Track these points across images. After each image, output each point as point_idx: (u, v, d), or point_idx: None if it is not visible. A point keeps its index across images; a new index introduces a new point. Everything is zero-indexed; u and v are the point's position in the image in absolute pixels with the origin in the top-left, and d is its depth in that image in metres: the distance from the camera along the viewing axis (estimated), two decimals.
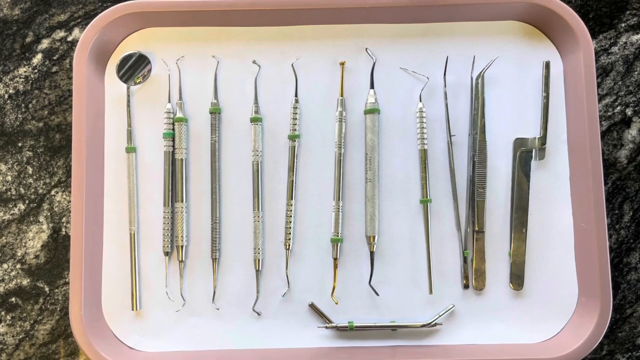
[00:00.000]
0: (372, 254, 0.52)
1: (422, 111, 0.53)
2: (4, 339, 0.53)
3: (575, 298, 0.52)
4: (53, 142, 0.55)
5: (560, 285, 0.52)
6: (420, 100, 0.53)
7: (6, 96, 0.56)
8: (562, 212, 0.52)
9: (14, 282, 0.54)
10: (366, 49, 0.54)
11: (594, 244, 0.50)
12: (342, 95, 0.53)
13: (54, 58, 0.56)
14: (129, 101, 0.53)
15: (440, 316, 0.51)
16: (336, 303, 0.52)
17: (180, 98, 0.54)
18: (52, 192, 0.55)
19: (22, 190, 0.55)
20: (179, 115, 0.53)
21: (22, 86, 0.56)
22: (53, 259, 0.54)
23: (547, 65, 0.53)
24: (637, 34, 0.56)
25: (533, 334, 0.51)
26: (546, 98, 0.53)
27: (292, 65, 0.54)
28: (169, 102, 0.54)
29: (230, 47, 0.54)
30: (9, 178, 0.55)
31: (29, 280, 0.54)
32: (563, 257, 0.52)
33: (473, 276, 0.52)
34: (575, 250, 0.52)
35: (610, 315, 0.49)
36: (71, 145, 0.53)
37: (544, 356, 0.49)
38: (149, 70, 0.54)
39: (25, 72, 0.56)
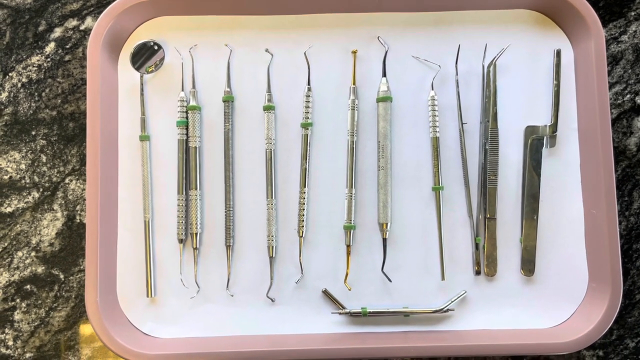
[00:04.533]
0: (384, 240, 0.52)
1: (434, 99, 0.53)
2: (19, 326, 0.54)
3: (585, 284, 0.52)
4: (67, 131, 0.55)
5: (570, 271, 0.52)
6: (432, 89, 0.53)
7: (19, 85, 0.56)
8: (573, 199, 0.53)
9: (29, 270, 0.54)
10: (378, 37, 0.54)
11: (605, 230, 0.50)
12: (354, 84, 0.54)
13: (67, 47, 0.56)
14: (142, 89, 0.54)
15: (452, 302, 0.52)
16: (349, 289, 0.52)
17: (194, 86, 0.54)
18: (66, 180, 0.55)
19: (36, 179, 0.55)
20: (192, 103, 0.53)
21: (35, 75, 0.56)
22: (68, 246, 0.54)
23: (558, 54, 0.53)
24: None
25: (544, 319, 0.52)
26: (557, 86, 0.53)
27: (304, 53, 0.54)
28: (182, 90, 0.54)
29: (243, 36, 0.54)
30: (22, 166, 0.55)
31: (43, 267, 0.54)
32: (573, 244, 0.52)
33: (484, 262, 0.52)
34: (585, 236, 0.52)
35: (620, 301, 0.50)
36: (84, 133, 0.54)
37: (555, 341, 0.50)
38: (162, 59, 0.54)
39: (38, 60, 0.56)
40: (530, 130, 0.53)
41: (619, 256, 0.50)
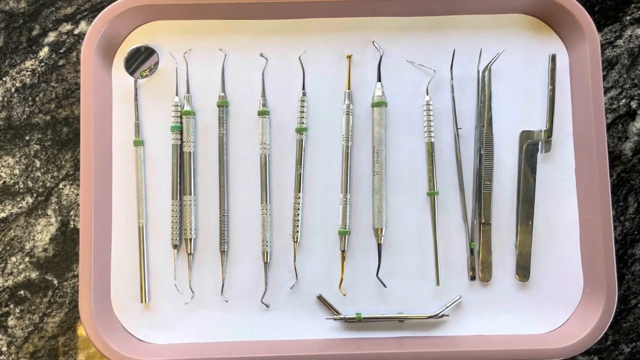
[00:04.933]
0: (379, 246, 0.52)
1: (429, 104, 0.53)
2: (13, 331, 0.54)
3: (580, 289, 0.52)
4: (60, 136, 0.55)
5: (565, 276, 0.52)
6: (427, 93, 0.53)
7: (13, 89, 0.56)
8: (568, 204, 0.53)
9: (22, 275, 0.54)
10: (373, 42, 0.54)
11: (600, 235, 0.50)
12: (349, 88, 0.53)
13: (61, 51, 0.56)
14: (136, 94, 0.53)
15: (447, 307, 0.52)
16: (344, 295, 0.52)
17: (188, 91, 0.54)
18: (60, 186, 0.55)
19: (30, 184, 0.55)
20: (186, 108, 0.53)
21: (29, 79, 0.56)
22: (61, 252, 0.54)
23: (553, 58, 0.53)
24: None
25: (539, 324, 0.52)
26: (552, 91, 0.53)
27: (299, 58, 0.54)
28: (177, 95, 0.54)
29: (238, 40, 0.54)
30: (16, 171, 0.55)
31: (37, 273, 0.54)
32: (568, 249, 0.52)
33: (479, 268, 0.52)
34: (580, 242, 0.52)
35: (615, 306, 0.50)
36: (78, 138, 0.54)
37: (550, 347, 0.50)
38: (156, 63, 0.54)
39: (32, 65, 0.56)
40: (526, 135, 0.53)
41: (614, 261, 0.50)
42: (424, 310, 0.52)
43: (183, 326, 0.52)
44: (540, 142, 0.53)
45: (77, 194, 0.55)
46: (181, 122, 0.53)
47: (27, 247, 0.54)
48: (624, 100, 0.55)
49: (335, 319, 0.52)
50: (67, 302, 0.54)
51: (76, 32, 0.56)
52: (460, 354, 0.50)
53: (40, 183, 0.55)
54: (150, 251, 0.53)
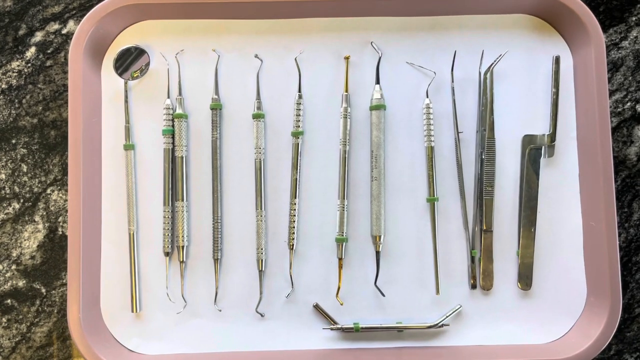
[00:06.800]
0: (377, 253, 0.51)
1: (429, 107, 0.52)
2: None
3: (584, 298, 0.51)
4: (48, 139, 0.53)
5: (569, 284, 0.51)
6: (427, 96, 0.52)
7: None
8: (572, 211, 0.52)
9: (9, 284, 0.52)
10: (372, 42, 0.53)
11: (604, 243, 0.49)
12: (346, 91, 0.52)
13: (48, 52, 0.54)
14: (126, 96, 0.52)
15: (447, 317, 0.51)
16: (341, 304, 0.51)
17: (180, 93, 0.52)
18: (48, 191, 0.53)
19: (16, 189, 0.53)
20: (178, 111, 0.52)
21: (15, 81, 0.54)
22: (49, 259, 0.53)
23: (557, 60, 0.52)
24: None
25: (541, 334, 0.51)
26: (556, 94, 0.52)
27: (295, 59, 0.52)
28: (168, 97, 0.52)
29: (232, 41, 0.53)
30: (2, 176, 0.53)
31: (24, 281, 0.53)
32: (572, 256, 0.51)
33: (481, 276, 0.51)
34: (584, 249, 0.51)
35: (619, 315, 0.49)
36: (67, 142, 0.52)
37: (553, 357, 0.49)
38: (147, 64, 0.52)
39: (18, 66, 0.54)
40: (528, 140, 0.52)
41: (619, 269, 0.49)
42: (423, 319, 0.51)
43: (175, 336, 0.51)
44: (543, 147, 0.51)
45: (66, 200, 0.53)
46: (173, 126, 0.52)
47: (14, 255, 0.53)
48: (629, 104, 0.54)
49: (332, 329, 0.50)
50: (55, 311, 0.52)
51: (64, 31, 0.54)
52: None
53: (27, 188, 0.53)
54: (141, 259, 0.51)
